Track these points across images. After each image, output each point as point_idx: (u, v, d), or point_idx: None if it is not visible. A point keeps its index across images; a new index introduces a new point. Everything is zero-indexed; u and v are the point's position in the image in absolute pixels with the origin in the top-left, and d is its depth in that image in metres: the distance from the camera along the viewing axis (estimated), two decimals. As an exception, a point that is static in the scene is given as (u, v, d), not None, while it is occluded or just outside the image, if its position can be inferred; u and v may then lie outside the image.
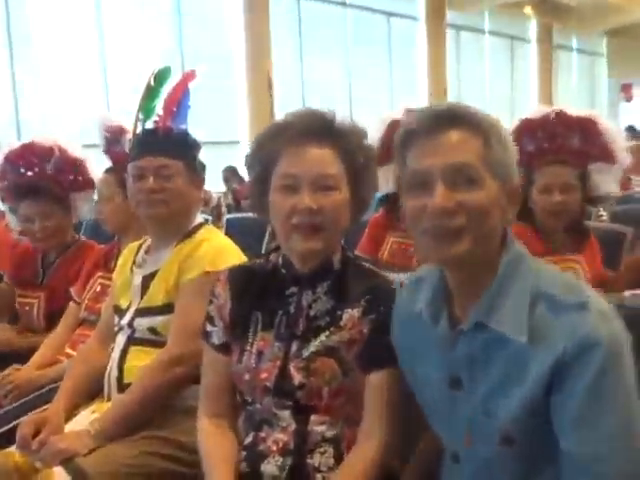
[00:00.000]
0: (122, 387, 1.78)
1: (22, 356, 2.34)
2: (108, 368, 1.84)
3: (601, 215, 3.87)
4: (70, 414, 1.80)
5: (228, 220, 4.26)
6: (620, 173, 2.57)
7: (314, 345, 1.39)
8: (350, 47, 11.65)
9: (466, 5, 12.98)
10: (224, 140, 9.31)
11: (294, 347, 1.40)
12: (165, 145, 1.84)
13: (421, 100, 11.88)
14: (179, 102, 1.89)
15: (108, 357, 1.87)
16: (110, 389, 1.82)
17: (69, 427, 1.74)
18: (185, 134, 1.91)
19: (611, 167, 2.45)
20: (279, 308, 1.44)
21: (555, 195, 2.30)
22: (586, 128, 2.41)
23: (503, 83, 15.18)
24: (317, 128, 1.39)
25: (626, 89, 17.09)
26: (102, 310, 2.12)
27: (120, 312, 1.90)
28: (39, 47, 7.85)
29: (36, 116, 7.67)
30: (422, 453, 1.46)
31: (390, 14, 12.28)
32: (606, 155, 2.42)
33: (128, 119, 2.46)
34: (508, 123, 2.46)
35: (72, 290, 2.42)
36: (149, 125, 1.88)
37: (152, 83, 1.91)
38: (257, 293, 1.47)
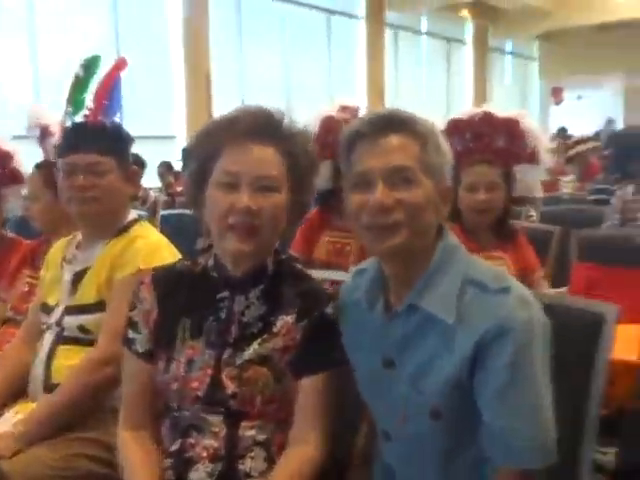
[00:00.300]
0: (49, 387, 1.73)
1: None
2: (34, 368, 1.78)
3: (531, 215, 3.99)
4: (-7, 415, 1.73)
5: (163, 216, 4.18)
6: (543, 174, 2.67)
7: (247, 353, 1.35)
8: (290, 43, 11.63)
9: (405, 6, 13.13)
10: (160, 135, 9.15)
11: (226, 355, 1.36)
12: (96, 141, 1.78)
13: (359, 98, 11.96)
14: (110, 94, 1.82)
15: (33, 356, 1.82)
16: (36, 389, 1.77)
17: (-7, 430, 1.68)
18: (117, 128, 1.86)
19: (535, 168, 2.53)
20: (209, 314, 1.39)
21: (480, 193, 2.37)
22: (511, 129, 2.48)
23: (439, 83, 15.44)
24: (264, 127, 1.35)
25: (556, 92, 17.62)
26: (29, 309, 2.06)
27: (48, 309, 1.84)
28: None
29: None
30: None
31: (330, 12, 12.32)
32: (530, 156, 2.49)
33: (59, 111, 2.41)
34: (443, 123, 2.51)
35: None
36: (79, 119, 1.82)
37: (81, 74, 1.84)
38: (185, 297, 1.41)
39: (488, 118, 2.49)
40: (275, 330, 1.37)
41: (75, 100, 1.83)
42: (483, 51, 16.42)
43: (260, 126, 1.34)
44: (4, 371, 1.83)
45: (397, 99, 12.99)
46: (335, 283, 1.47)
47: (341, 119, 2.78)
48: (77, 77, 1.84)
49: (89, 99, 1.83)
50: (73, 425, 1.65)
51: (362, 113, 2.83)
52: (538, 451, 1.16)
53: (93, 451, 1.62)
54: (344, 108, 2.88)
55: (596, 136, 7.75)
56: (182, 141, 9.52)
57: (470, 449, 1.24)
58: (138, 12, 9.25)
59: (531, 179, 2.54)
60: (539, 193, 2.69)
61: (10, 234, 2.67)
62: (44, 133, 2.40)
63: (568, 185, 5.70)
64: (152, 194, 6.60)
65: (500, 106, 2.59)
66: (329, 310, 1.39)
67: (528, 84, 18.99)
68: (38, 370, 1.76)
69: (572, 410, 1.23)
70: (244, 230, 1.31)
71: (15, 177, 2.56)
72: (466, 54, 16.25)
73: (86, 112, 1.81)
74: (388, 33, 13.50)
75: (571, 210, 3.84)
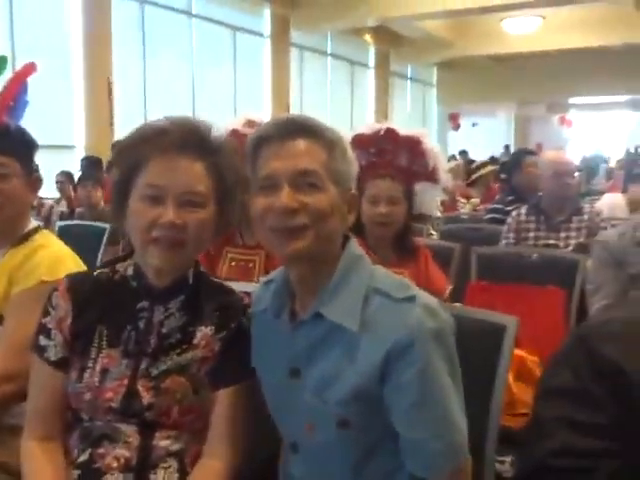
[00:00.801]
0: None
1: None
2: None
3: (431, 234, 4.14)
4: None
5: (60, 227, 4.00)
6: (441, 194, 2.78)
7: (165, 363, 1.33)
8: (195, 56, 11.54)
9: (310, 26, 13.33)
10: (58, 144, 8.81)
11: (143, 365, 1.33)
12: (1, 142, 1.70)
13: (264, 113, 12.01)
14: (17, 96, 1.75)
15: None
16: None
17: None
18: (22, 131, 1.78)
19: (434, 187, 2.63)
20: (127, 323, 1.36)
21: (381, 206, 2.44)
22: (413, 147, 2.57)
23: (343, 103, 15.76)
24: (192, 141, 1.32)
25: (453, 118, 18.36)
26: None
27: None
28: None
29: None
30: None
31: (236, 28, 12.32)
32: (429, 175, 2.59)
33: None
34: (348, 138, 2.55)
35: None
36: (-19, 119, 1.73)
37: None
38: (102, 306, 1.37)
39: (391, 135, 2.57)
40: (195, 342, 1.36)
41: (-21, 99, 1.74)
42: (385, 75, 16.90)
43: (188, 139, 1.32)
44: None
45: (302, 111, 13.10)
46: (248, 295, 1.46)
47: (247, 133, 2.77)
48: None
49: None
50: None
51: None
52: (453, 451, 1.19)
53: (-11, 472, 1.52)
54: (250, 122, 2.87)
55: (492, 161, 8.16)
56: (81, 151, 9.22)
57: (380, 458, 1.25)
58: (35, 13, 8.88)
59: (430, 197, 2.64)
60: (436, 212, 2.79)
61: None
62: None
63: (466, 206, 5.95)
64: (47, 204, 6.34)
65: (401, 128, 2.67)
66: (245, 321, 1.40)
67: (427, 109, 19.70)
68: None
69: (473, 419, 1.26)
70: (167, 244, 1.29)
71: None
72: (369, 77, 16.67)
73: None
74: (294, 52, 13.66)
75: (469, 229, 4.00)
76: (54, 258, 1.69)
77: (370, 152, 2.55)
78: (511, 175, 4.46)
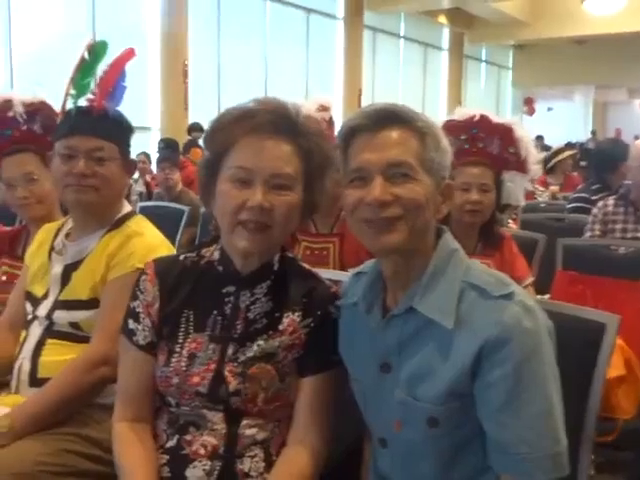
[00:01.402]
0: (35, 382, 1.67)
1: None
2: (19, 360, 1.71)
3: (508, 223, 4.02)
4: (-28, 408, 1.67)
5: (141, 208, 4.10)
6: (528, 184, 2.69)
7: (252, 350, 1.32)
8: (269, 39, 11.58)
9: (384, 8, 13.17)
10: (135, 125, 9.01)
11: (230, 350, 1.33)
12: (100, 125, 1.71)
13: (336, 96, 11.98)
14: (116, 81, 1.77)
15: (16, 346, 1.75)
16: (19, 383, 1.70)
17: (-30, 422, 1.61)
18: (120, 116, 1.79)
19: (522, 177, 2.55)
20: (214, 308, 1.35)
21: (473, 193, 2.38)
22: (505, 135, 2.49)
23: (415, 87, 15.55)
24: (280, 122, 1.30)
25: (528, 102, 17.87)
26: (11, 296, 1.99)
27: (34, 300, 1.77)
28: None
29: None
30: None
31: (310, 10, 12.30)
32: (520, 164, 2.51)
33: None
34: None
35: None
36: (82, 103, 1.75)
37: (87, 57, 1.78)
38: (189, 290, 1.37)
39: (485, 121, 2.50)
40: (281, 328, 1.35)
41: (79, 83, 1.75)
42: (459, 57, 16.58)
43: (277, 121, 1.30)
44: None
45: (373, 99, 13.05)
46: (336, 283, 1.45)
47: (320, 118, 2.75)
48: (83, 60, 1.76)
49: (94, 85, 1.76)
50: (62, 421, 1.59)
51: (336, 111, 2.81)
52: (549, 462, 1.12)
53: (82, 447, 1.56)
54: (322, 107, 2.85)
55: (569, 146, 7.88)
56: (156, 133, 9.42)
57: (469, 458, 1.21)
58: (115, 4, 9.09)
59: (518, 187, 2.56)
60: (522, 202, 2.71)
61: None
62: (29, 118, 2.30)
63: (544, 194, 5.77)
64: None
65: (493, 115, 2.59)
66: (332, 309, 1.38)
67: (501, 92, 19.24)
68: (24, 363, 1.70)
69: (568, 420, 1.18)
70: (255, 228, 1.28)
71: None
72: (442, 60, 16.38)
73: (90, 97, 1.74)
74: (367, 34, 13.53)
75: (550, 219, 3.87)
76: (148, 246, 1.71)
77: (461, 138, 2.49)
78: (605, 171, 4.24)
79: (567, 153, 6.19)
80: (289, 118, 1.32)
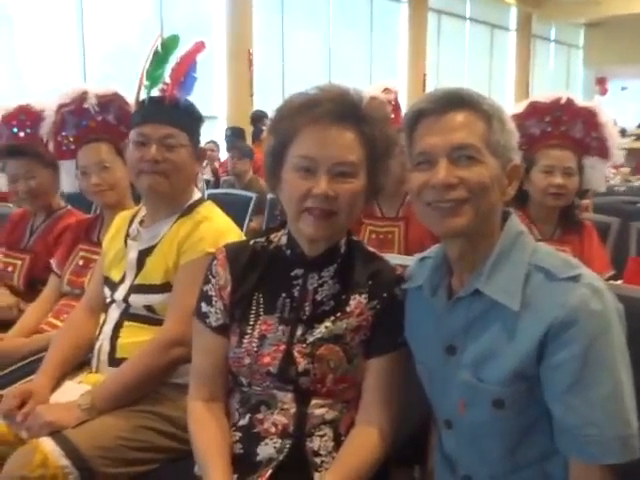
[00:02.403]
0: (114, 361, 1.75)
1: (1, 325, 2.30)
2: (99, 341, 1.80)
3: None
4: (56, 385, 1.76)
5: (209, 196, 4.19)
6: (607, 170, 2.62)
7: (319, 331, 1.36)
8: (332, 25, 11.55)
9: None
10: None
11: (299, 331, 1.37)
12: (171, 114, 1.78)
13: (400, 81, 11.87)
14: (187, 72, 1.83)
15: (97, 328, 1.84)
16: (99, 362, 1.79)
17: (54, 398, 1.71)
18: (191, 105, 1.85)
19: (604, 162, 2.49)
20: (282, 290, 1.40)
21: (557, 177, 2.35)
22: (590, 119, 2.44)
23: (481, 69, 15.24)
24: (343, 110, 1.31)
25: (600, 82, 17.25)
26: (89, 280, 2.08)
27: (112, 284, 1.85)
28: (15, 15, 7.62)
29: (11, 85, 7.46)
30: None
31: (373, -7, 12.19)
32: (602, 150, 2.46)
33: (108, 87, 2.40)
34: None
35: (52, 262, 2.37)
36: (155, 93, 1.81)
37: (159, 50, 1.84)
38: (259, 274, 1.41)
39: (569, 104, 2.46)
40: (348, 309, 1.38)
41: (152, 75, 1.81)
42: (527, 38, 16.15)
43: (341, 109, 1.31)
44: (69, 341, 1.85)
45: (438, 84, 12.88)
46: (402, 266, 1.47)
47: (385, 100, 2.75)
48: (156, 53, 1.84)
49: (166, 75, 1.82)
50: (139, 399, 1.67)
51: (401, 96, 2.81)
52: (618, 444, 1.10)
53: (158, 424, 1.63)
54: (387, 90, 2.84)
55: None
56: (223, 121, 9.55)
57: (536, 439, 1.21)
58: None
59: (599, 173, 2.51)
60: (602, 188, 2.65)
61: (70, 207, 2.70)
62: (104, 109, 2.40)
63: (616, 177, 5.59)
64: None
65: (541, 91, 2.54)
66: (398, 291, 1.41)
67: (571, 73, 18.64)
68: (104, 344, 1.78)
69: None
70: (320, 215, 1.31)
71: (73, 152, 2.56)
72: (509, 40, 15.98)
73: (163, 87, 1.81)
74: (431, 17, 13.33)
75: (625, 202, 3.75)
76: (218, 231, 1.76)
77: (545, 121, 2.45)
78: None
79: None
80: (352, 105, 1.33)
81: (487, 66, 15.51)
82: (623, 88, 18.31)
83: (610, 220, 2.82)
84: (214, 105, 9.78)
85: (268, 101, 8.77)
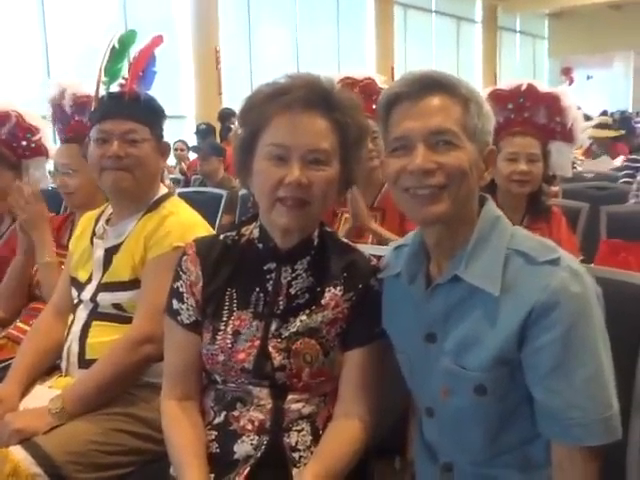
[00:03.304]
0: (84, 363, 1.71)
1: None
2: (67, 343, 1.76)
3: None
4: (25, 392, 1.71)
5: (179, 195, 4.12)
6: (573, 154, 2.62)
7: (294, 325, 1.33)
8: (299, 19, 11.53)
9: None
10: (170, 114, 9.08)
11: (273, 326, 1.33)
12: (132, 109, 1.74)
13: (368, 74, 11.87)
14: (145, 66, 1.79)
15: (65, 330, 1.80)
16: (69, 365, 1.75)
17: (24, 404, 1.67)
18: (152, 99, 1.81)
19: (569, 146, 2.50)
20: (256, 285, 1.36)
21: (521, 164, 2.35)
22: (553, 104, 2.44)
23: (449, 62, 15.31)
24: (315, 97, 1.28)
25: (566, 72, 17.46)
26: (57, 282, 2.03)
27: (78, 285, 1.81)
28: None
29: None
30: None
31: (338, -12, 12.19)
32: (567, 133, 2.46)
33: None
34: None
35: None
36: (114, 88, 1.78)
37: (116, 45, 1.81)
38: (231, 268, 1.38)
39: (532, 90, 2.45)
40: (323, 302, 1.35)
41: (111, 70, 1.79)
42: (493, 30, 16.28)
43: (312, 96, 1.28)
44: (36, 345, 1.81)
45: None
46: (377, 257, 1.44)
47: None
48: (113, 49, 1.81)
49: (125, 71, 1.80)
50: (111, 401, 1.63)
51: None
52: (601, 426, 1.10)
53: (132, 426, 1.60)
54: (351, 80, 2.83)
55: (604, 114, 7.65)
56: (192, 120, 9.47)
57: (518, 425, 1.20)
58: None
59: (565, 158, 2.51)
60: (569, 173, 2.66)
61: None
62: (79, 109, 2.35)
63: (583, 164, 5.65)
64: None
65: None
66: (373, 282, 1.38)
67: (537, 63, 18.84)
68: (73, 345, 1.74)
69: (620, 388, 1.15)
70: (293, 204, 1.27)
71: (39, 150, 2.53)
72: (475, 32, 16.10)
73: (122, 82, 1.78)
74: (397, 10, 13.37)
75: (592, 187, 3.78)
76: (185, 226, 1.73)
77: (508, 108, 2.44)
78: None
79: (605, 134, 5.99)
80: (323, 92, 1.30)
81: (454, 58, 15.61)
82: (588, 77, 18.58)
83: (580, 205, 2.83)
84: (182, 104, 9.71)
85: (237, 99, 8.71)
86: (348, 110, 1.32)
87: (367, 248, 1.54)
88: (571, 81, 17.17)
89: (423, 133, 1.16)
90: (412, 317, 1.28)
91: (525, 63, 18.28)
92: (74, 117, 2.35)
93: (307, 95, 1.28)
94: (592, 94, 16.85)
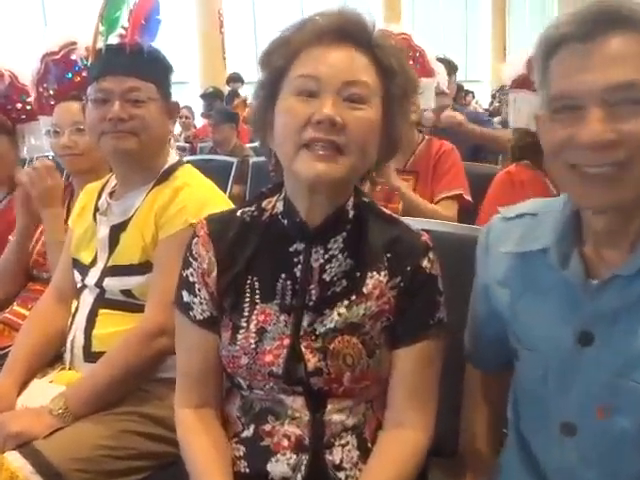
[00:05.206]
0: (90, 356, 1.52)
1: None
2: (71, 332, 1.57)
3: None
4: (23, 386, 1.53)
5: (188, 162, 3.91)
6: None
7: (331, 319, 1.10)
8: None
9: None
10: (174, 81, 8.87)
11: (305, 321, 1.10)
12: (134, 63, 1.52)
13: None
14: (148, 14, 1.56)
15: (68, 317, 1.61)
16: (73, 357, 1.56)
17: (22, 402, 1.49)
18: (157, 52, 1.58)
19: None
20: (281, 270, 1.12)
21: None
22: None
23: (458, 19, 15.20)
24: (353, 29, 1.04)
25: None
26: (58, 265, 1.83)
27: (82, 268, 1.61)
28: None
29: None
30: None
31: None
32: None
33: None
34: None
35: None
36: (113, 40, 1.55)
37: None
38: (251, 253, 1.14)
39: None
40: (365, 291, 1.11)
41: (108, 18, 1.55)
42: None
43: (349, 27, 1.05)
44: (37, 333, 1.62)
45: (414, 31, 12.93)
46: (427, 232, 1.18)
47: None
48: None
49: (124, 19, 1.56)
50: (120, 399, 1.45)
51: None
52: None
53: (144, 427, 1.42)
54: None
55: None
56: (195, 86, 9.27)
57: None
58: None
59: None
60: None
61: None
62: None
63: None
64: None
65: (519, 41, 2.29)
66: (425, 263, 1.13)
67: (547, 20, 18.51)
68: (77, 335, 1.55)
69: None
70: (324, 150, 1.01)
71: (33, 114, 2.28)
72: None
73: (121, 32, 1.54)
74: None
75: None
76: (200, 200, 1.51)
77: None
78: None
79: None
80: (362, 25, 1.06)
81: (463, 15, 15.43)
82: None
83: None
84: (184, 70, 9.45)
85: (242, 64, 8.53)
86: (391, 50, 1.08)
87: (415, 222, 1.29)
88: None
89: (600, 90, 0.88)
90: (557, 308, 1.03)
91: (535, 21, 17.94)
92: (83, 72, 2.03)
93: (343, 25, 1.04)
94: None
